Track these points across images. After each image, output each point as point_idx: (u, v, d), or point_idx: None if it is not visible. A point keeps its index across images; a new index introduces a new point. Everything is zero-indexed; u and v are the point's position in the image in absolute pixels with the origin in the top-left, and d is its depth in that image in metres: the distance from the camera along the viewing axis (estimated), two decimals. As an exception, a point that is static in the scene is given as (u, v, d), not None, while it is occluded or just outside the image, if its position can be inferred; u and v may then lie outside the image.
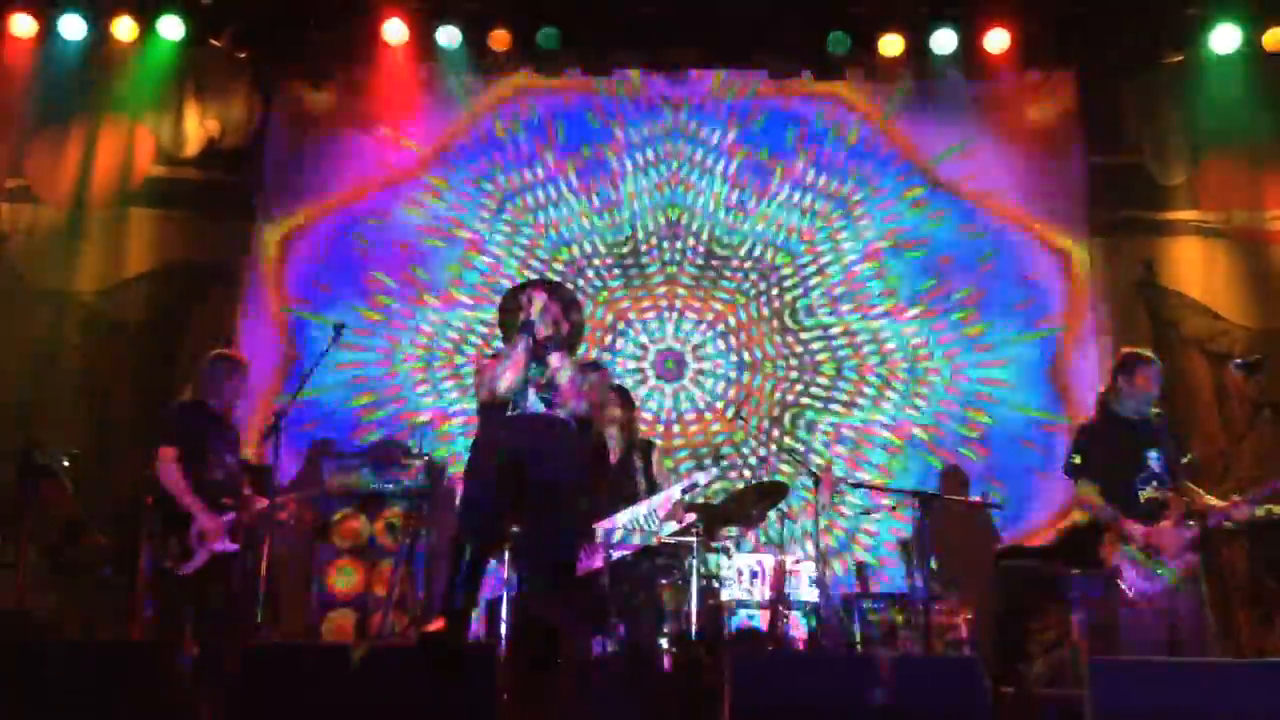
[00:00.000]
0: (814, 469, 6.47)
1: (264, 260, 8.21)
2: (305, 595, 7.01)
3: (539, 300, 4.99)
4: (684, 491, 5.88)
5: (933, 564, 6.06)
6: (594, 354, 7.61)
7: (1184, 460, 5.29)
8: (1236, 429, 7.52)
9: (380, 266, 8.21)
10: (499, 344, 5.48)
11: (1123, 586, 5.05)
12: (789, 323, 8.09)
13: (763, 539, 6.69)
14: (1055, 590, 6.33)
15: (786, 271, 8.18)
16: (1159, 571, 5.03)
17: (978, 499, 7.28)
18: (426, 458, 7.22)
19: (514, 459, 4.74)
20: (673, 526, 5.69)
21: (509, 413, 4.86)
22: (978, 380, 7.97)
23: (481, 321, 8.02)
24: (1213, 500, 5.29)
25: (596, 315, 7.98)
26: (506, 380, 4.85)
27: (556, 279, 5.44)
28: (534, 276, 7.79)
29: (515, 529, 4.86)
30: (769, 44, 8.18)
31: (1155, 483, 5.18)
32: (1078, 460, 5.31)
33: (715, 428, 7.90)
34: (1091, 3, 7.90)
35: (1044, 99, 8.29)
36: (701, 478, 6.06)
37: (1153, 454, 5.22)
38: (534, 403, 4.87)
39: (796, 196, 8.28)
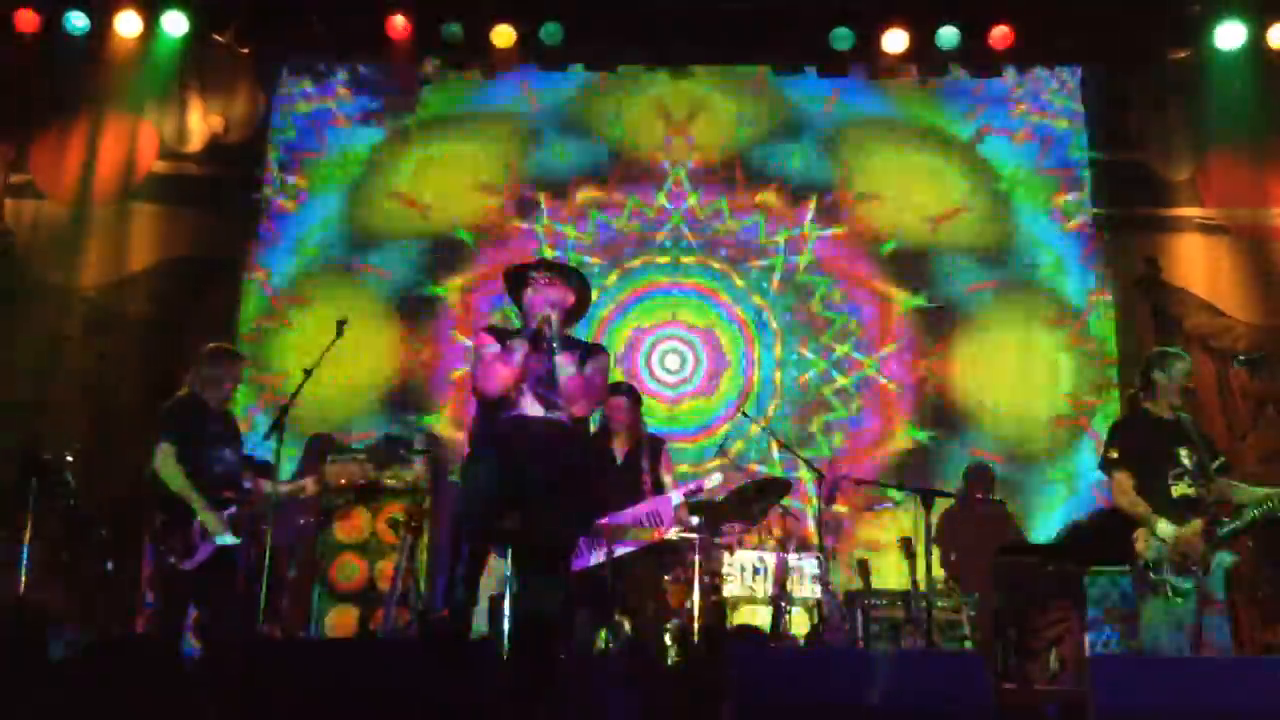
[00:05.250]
0: (816, 466, 6.48)
1: (266, 255, 8.22)
2: (307, 590, 7.02)
3: (544, 296, 4.83)
4: (687, 495, 5.88)
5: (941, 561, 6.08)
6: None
7: (1216, 463, 5.26)
8: (1240, 426, 7.52)
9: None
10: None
11: (1156, 578, 5.04)
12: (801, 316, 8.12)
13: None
14: (1063, 586, 6.34)
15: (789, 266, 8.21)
16: (1192, 567, 5.02)
17: (979, 495, 7.29)
18: (429, 453, 7.22)
19: (510, 460, 4.68)
20: (675, 529, 5.69)
21: (505, 414, 4.77)
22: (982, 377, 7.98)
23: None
24: (1261, 490, 5.25)
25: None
26: (500, 383, 4.75)
27: (560, 261, 5.23)
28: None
29: (510, 524, 4.80)
30: (772, 40, 8.18)
31: (1187, 479, 5.17)
32: (1114, 455, 5.30)
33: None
34: (1095, -1, 7.91)
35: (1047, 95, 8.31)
36: (707, 482, 6.04)
37: (1184, 451, 5.21)
38: (531, 405, 4.77)
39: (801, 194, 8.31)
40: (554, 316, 4.79)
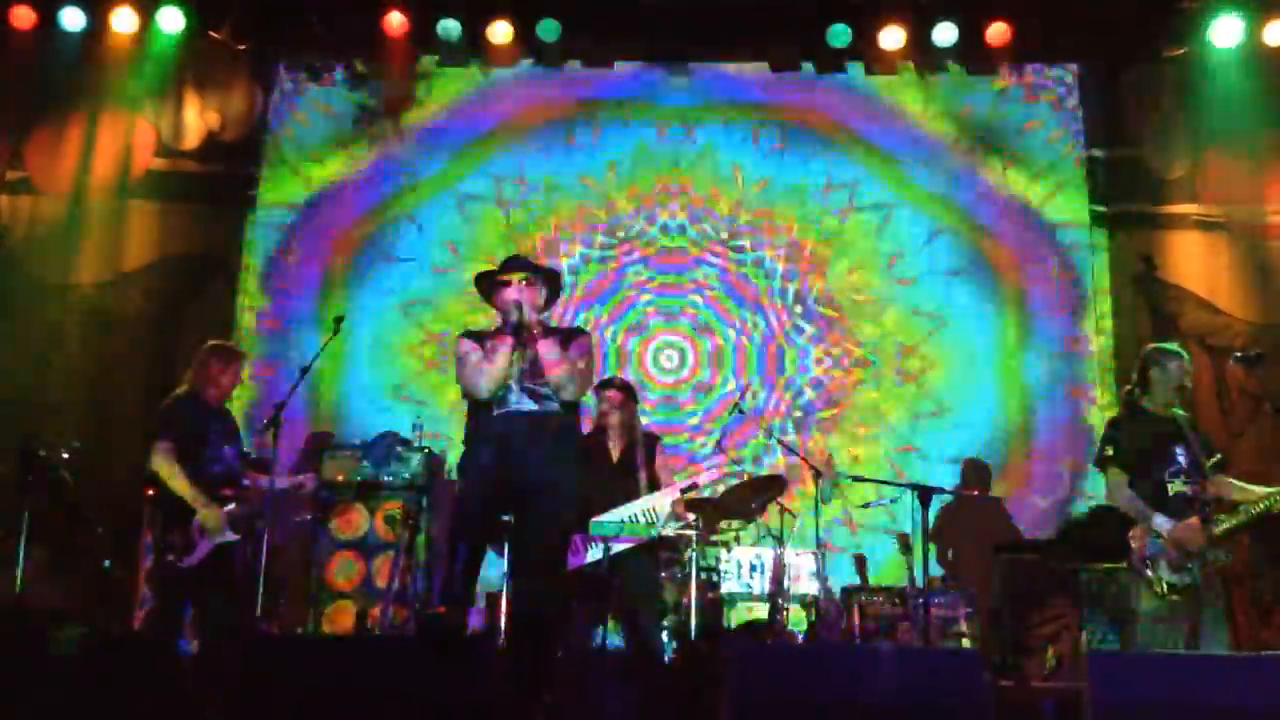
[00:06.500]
0: (814, 463, 6.49)
1: (263, 253, 8.21)
2: (304, 588, 7.02)
3: (516, 294, 4.88)
4: (683, 491, 5.88)
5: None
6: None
7: (1212, 460, 5.26)
8: (1237, 424, 7.52)
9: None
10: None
11: (1152, 576, 5.04)
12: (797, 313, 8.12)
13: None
14: (1060, 584, 6.35)
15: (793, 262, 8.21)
16: (1188, 565, 5.03)
17: (975, 491, 7.29)
18: (425, 450, 7.22)
19: (504, 457, 4.70)
20: (673, 525, 5.69)
21: (495, 411, 4.81)
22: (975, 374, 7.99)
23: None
24: (1259, 488, 5.24)
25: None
26: (487, 384, 4.80)
27: (525, 258, 5.26)
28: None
29: (507, 519, 4.80)
30: (770, 37, 8.18)
31: (1183, 477, 5.17)
32: (1109, 452, 5.30)
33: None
34: (1092, -4, 7.92)
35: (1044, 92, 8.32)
36: (702, 478, 6.05)
37: (1179, 449, 5.21)
38: (520, 400, 4.81)
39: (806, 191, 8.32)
40: (526, 306, 4.84)
